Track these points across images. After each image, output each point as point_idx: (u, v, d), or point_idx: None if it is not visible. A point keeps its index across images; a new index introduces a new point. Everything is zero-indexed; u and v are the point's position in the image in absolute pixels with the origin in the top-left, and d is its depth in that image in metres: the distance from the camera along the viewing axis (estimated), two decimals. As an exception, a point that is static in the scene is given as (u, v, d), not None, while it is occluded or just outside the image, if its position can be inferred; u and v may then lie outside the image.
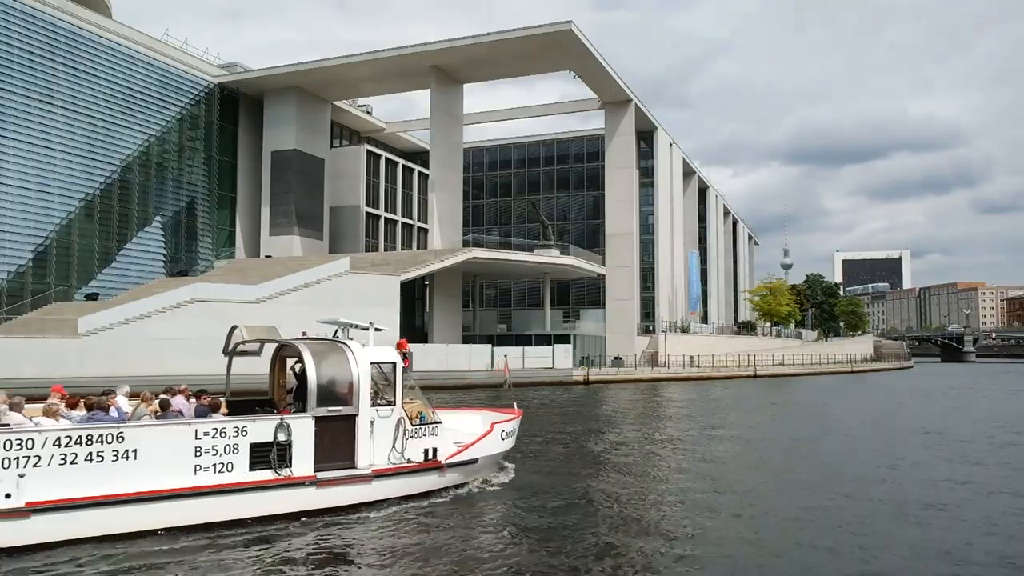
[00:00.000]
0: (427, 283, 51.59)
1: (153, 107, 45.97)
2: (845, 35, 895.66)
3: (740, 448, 18.75)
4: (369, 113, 65.51)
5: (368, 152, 58.77)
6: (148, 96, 45.60)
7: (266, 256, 50.05)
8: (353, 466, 10.73)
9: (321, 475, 10.36)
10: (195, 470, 9.54)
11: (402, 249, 59.90)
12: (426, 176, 57.23)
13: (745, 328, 78.90)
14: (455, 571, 8.20)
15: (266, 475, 9.99)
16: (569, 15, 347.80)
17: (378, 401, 11.11)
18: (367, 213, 57.98)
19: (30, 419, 9.11)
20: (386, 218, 60.37)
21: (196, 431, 9.65)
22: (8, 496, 8.33)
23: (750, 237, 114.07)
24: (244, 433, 9.93)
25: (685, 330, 63.21)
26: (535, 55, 48.49)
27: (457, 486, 12.06)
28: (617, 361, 51.48)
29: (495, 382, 38.60)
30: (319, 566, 8.33)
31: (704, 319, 75.99)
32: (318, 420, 10.46)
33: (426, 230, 56.36)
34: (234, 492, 9.74)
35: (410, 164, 63.83)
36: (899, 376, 69.49)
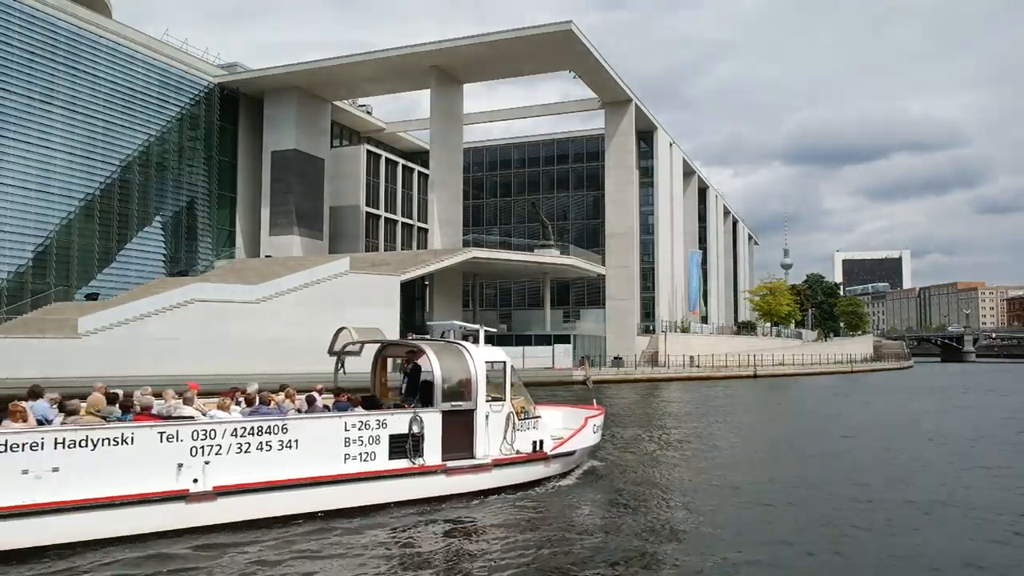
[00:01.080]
0: (427, 283, 51.58)
1: (153, 107, 45.95)
2: (846, 35, 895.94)
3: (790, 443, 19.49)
4: (369, 113, 65.51)
5: (368, 152, 58.74)
6: (148, 96, 45.57)
7: (266, 256, 50.02)
8: (472, 456, 11.74)
9: (449, 464, 11.45)
10: (344, 459, 10.59)
11: (402, 249, 59.87)
12: (426, 176, 57.20)
13: (745, 328, 78.90)
14: (570, 554, 8.87)
15: (402, 464, 11.01)
16: (572, 15, 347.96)
17: (490, 397, 12.14)
18: (367, 213, 57.95)
19: (203, 412, 10.20)
20: (386, 218, 60.34)
21: (345, 423, 10.72)
22: (195, 481, 9.31)
23: (750, 237, 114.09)
24: (384, 425, 10.99)
25: (685, 330, 63.19)
26: (535, 55, 48.48)
27: (557, 476, 13.11)
28: (617, 361, 51.46)
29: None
30: (455, 546, 9.31)
31: (704, 319, 75.98)
32: (444, 414, 11.52)
33: (426, 230, 56.33)
34: (377, 479, 10.80)
35: (410, 164, 63.80)
36: (899, 376, 69.44)
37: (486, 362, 12.17)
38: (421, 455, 11.14)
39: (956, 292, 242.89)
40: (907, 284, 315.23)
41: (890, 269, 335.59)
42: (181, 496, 9.19)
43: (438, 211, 49.87)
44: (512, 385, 12.62)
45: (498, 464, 11.92)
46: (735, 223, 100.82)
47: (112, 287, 42.05)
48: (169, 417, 9.90)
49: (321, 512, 10.13)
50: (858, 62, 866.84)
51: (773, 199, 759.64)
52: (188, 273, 45.36)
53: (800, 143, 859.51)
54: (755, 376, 57.00)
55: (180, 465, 9.24)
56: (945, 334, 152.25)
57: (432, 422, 11.34)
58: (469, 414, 11.77)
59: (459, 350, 12.20)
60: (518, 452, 12.26)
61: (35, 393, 9.74)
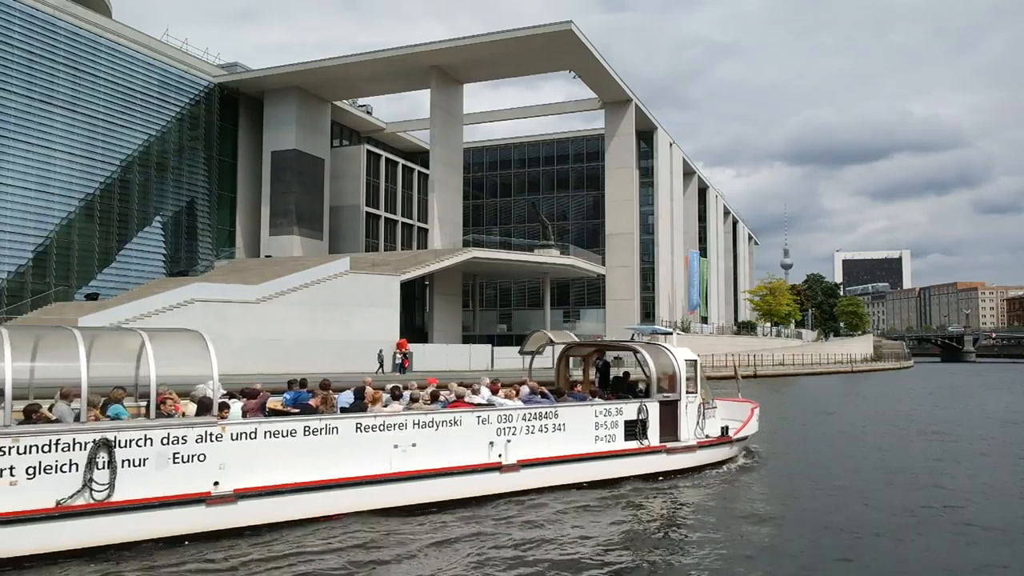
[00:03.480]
0: (427, 283, 51.52)
1: (153, 107, 45.91)
2: (849, 37, 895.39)
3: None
4: (369, 113, 65.47)
5: (368, 152, 58.68)
6: (148, 96, 45.54)
7: (266, 256, 49.99)
8: (678, 439, 13.92)
9: (668, 445, 13.69)
10: (595, 440, 12.77)
11: (402, 249, 59.80)
12: (426, 176, 57.16)
13: (745, 328, 78.83)
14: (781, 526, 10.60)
15: (633, 444, 13.20)
16: (575, 16, 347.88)
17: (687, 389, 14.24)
18: (367, 213, 57.91)
19: (486, 401, 12.41)
20: (386, 218, 60.29)
21: (595, 411, 12.93)
22: (500, 456, 11.53)
23: (750, 237, 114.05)
24: (620, 412, 13.17)
25: (685, 330, 63.08)
26: (535, 55, 48.45)
27: (733, 457, 15.48)
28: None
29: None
30: (687, 512, 11.61)
31: (704, 319, 75.93)
32: (660, 404, 13.75)
33: (426, 230, 56.29)
34: (617, 457, 12.98)
35: (410, 164, 63.75)
36: (901, 376, 69.38)
37: (684, 360, 14.26)
38: (647, 437, 13.35)
39: (956, 292, 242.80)
40: (907, 284, 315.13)
41: (890, 269, 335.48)
42: (496, 468, 11.45)
43: (438, 211, 49.82)
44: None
45: (701, 446, 14.24)
46: (735, 223, 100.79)
47: (112, 287, 42.02)
48: (478, 405, 12.08)
49: (587, 483, 12.35)
50: (860, 63, 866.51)
51: (775, 199, 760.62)
52: (188, 273, 45.31)
53: (802, 144, 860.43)
54: (755, 376, 56.98)
55: (491, 443, 11.47)
56: (945, 334, 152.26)
57: (653, 410, 13.57)
58: (675, 404, 13.94)
59: (664, 350, 14.38)
60: (707, 436, 14.43)
61: (325, 385, 11.75)
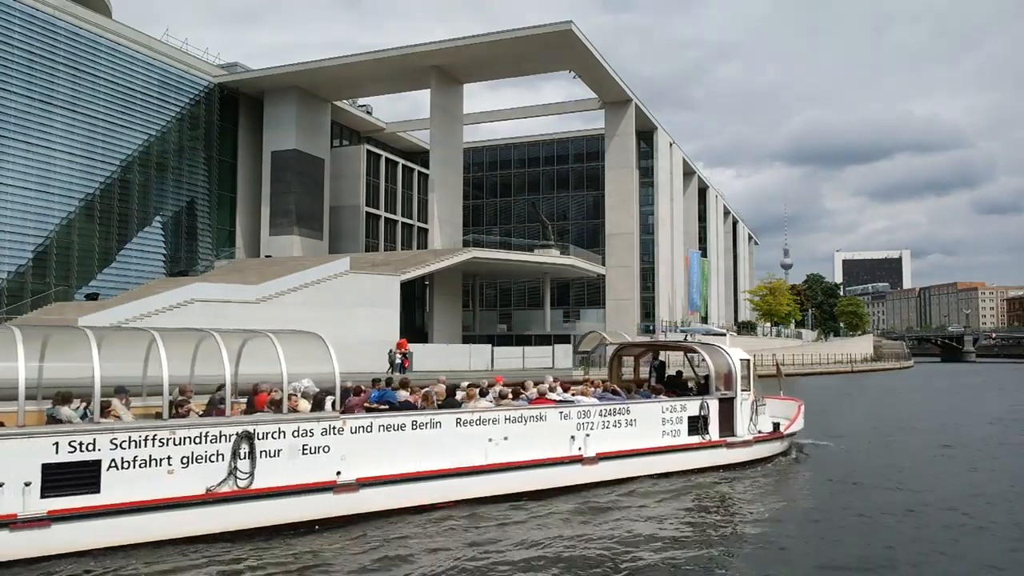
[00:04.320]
0: (427, 283, 51.51)
1: (153, 107, 45.90)
2: (850, 38, 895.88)
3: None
4: (369, 113, 65.46)
5: (368, 152, 58.67)
6: (148, 96, 45.53)
7: (266, 256, 49.98)
8: (734, 435, 14.70)
9: (728, 440, 14.50)
10: (662, 434, 13.55)
11: (402, 249, 59.78)
12: (426, 176, 57.15)
13: (745, 328, 78.81)
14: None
15: (695, 439, 14.00)
16: (578, 17, 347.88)
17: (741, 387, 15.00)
18: (367, 213, 57.90)
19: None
20: (386, 218, 60.28)
21: (662, 407, 13.73)
22: (580, 449, 12.31)
23: (750, 237, 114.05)
24: (684, 409, 13.98)
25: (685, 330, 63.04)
26: (535, 55, 48.43)
27: (785, 452, 16.27)
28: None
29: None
30: (743, 503, 12.34)
31: (704, 319, 75.90)
32: (719, 401, 14.51)
33: (426, 230, 56.28)
34: (682, 451, 13.79)
35: (410, 164, 63.74)
36: (901, 376, 69.33)
37: (739, 359, 15.05)
38: (708, 433, 14.12)
39: (956, 292, 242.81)
40: (907, 284, 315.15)
41: (890, 269, 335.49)
42: (577, 460, 12.25)
43: (438, 211, 49.81)
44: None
45: (756, 440, 15.05)
46: (735, 223, 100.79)
47: (112, 287, 42.01)
48: (559, 401, 12.75)
49: (657, 475, 13.08)
50: (860, 63, 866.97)
51: (775, 200, 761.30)
52: (188, 273, 45.29)
53: (803, 145, 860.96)
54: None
55: (572, 437, 12.23)
56: (945, 334, 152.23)
57: (713, 407, 14.32)
58: (731, 401, 14.71)
59: (721, 350, 15.17)
60: (760, 432, 15.22)
61: (405, 383, 12.56)
